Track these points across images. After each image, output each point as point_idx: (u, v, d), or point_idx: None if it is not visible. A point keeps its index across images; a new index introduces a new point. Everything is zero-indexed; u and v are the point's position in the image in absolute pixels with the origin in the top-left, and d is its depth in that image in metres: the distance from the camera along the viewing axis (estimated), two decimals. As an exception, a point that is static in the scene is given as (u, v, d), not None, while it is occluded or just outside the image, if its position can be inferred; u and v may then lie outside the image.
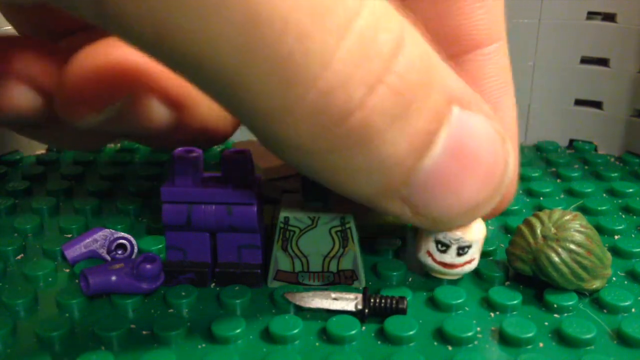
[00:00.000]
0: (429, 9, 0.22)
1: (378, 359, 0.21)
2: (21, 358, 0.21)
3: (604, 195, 0.33)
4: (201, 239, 0.24)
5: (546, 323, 0.23)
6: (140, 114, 0.22)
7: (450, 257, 0.23)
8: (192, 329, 0.22)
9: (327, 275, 0.24)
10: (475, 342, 0.22)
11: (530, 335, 0.21)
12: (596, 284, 0.23)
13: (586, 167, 0.36)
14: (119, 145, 0.39)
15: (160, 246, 0.27)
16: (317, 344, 0.22)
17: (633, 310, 0.23)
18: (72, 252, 0.26)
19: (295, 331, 0.22)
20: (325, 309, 0.23)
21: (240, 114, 0.17)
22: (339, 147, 0.17)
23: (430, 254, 0.23)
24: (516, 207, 0.31)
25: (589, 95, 0.38)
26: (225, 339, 0.22)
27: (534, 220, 0.24)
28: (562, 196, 0.33)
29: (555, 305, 0.23)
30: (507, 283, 0.25)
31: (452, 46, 0.22)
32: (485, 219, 0.25)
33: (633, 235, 0.28)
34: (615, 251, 0.27)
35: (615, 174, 0.35)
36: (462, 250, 0.23)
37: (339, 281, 0.24)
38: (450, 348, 0.21)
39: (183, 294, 0.24)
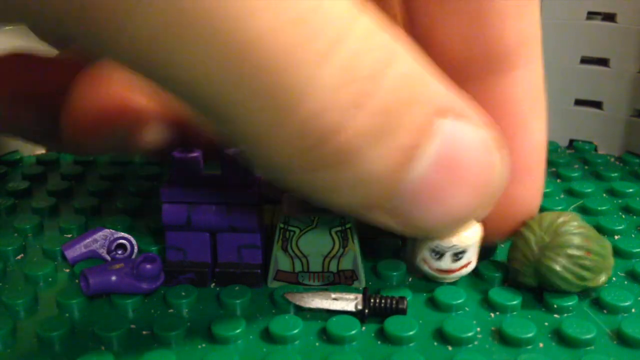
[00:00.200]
0: (458, 26, 0.21)
1: (378, 359, 0.21)
2: (21, 358, 0.21)
3: (604, 195, 0.33)
4: (201, 239, 0.24)
5: (546, 323, 0.23)
6: (143, 138, 0.22)
7: (446, 263, 0.23)
8: (192, 329, 0.22)
9: (327, 276, 0.24)
10: (475, 342, 0.22)
11: (530, 335, 0.21)
12: (602, 278, 0.23)
13: (586, 167, 0.36)
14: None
15: (160, 246, 0.27)
16: (317, 344, 0.22)
17: (633, 310, 0.23)
18: (72, 252, 0.26)
19: (295, 331, 0.22)
20: (325, 309, 0.23)
21: (226, 132, 0.17)
22: (322, 166, 0.17)
23: (426, 262, 0.23)
24: (516, 207, 0.31)
25: (589, 95, 0.38)
26: (225, 339, 0.22)
27: (526, 232, 0.23)
28: (562, 196, 0.33)
29: (555, 306, 0.23)
30: (506, 283, 0.25)
31: (483, 65, 0.22)
32: (506, 237, 0.25)
33: (633, 235, 0.28)
34: (615, 251, 0.27)
35: (615, 174, 0.35)
36: (457, 256, 0.23)
37: (339, 281, 0.24)
38: (450, 348, 0.21)
39: (183, 294, 0.24)
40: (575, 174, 0.35)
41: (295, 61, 0.15)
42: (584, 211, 0.31)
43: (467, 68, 0.22)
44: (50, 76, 0.24)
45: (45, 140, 0.27)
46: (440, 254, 0.23)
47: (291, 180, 0.18)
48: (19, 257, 0.27)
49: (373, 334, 0.22)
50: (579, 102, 0.38)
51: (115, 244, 0.26)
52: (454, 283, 0.24)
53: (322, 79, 0.15)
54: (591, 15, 0.36)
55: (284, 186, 0.19)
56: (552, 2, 0.36)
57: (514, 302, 0.23)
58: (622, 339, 0.22)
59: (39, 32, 0.16)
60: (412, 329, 0.22)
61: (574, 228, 0.23)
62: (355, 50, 0.16)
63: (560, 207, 0.30)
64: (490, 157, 0.19)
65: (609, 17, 0.36)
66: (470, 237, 0.22)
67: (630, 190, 0.32)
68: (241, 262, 0.25)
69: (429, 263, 0.23)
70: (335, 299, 0.23)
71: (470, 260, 0.23)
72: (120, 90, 0.21)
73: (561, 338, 0.22)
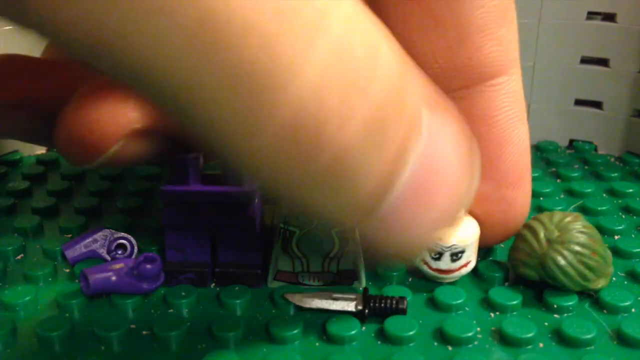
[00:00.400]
0: (439, 39, 0.21)
1: (378, 359, 0.21)
2: (21, 358, 0.21)
3: (604, 195, 0.33)
4: (201, 239, 0.24)
5: (546, 323, 0.23)
6: (135, 153, 0.22)
7: (445, 263, 0.23)
8: (192, 329, 0.22)
9: (327, 276, 0.24)
10: (475, 342, 0.22)
11: (530, 335, 0.21)
12: (601, 283, 0.23)
13: (586, 167, 0.36)
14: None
15: (160, 246, 0.27)
16: (317, 344, 0.22)
17: (633, 310, 0.23)
18: (72, 252, 0.26)
19: (295, 331, 0.22)
20: (325, 309, 0.23)
21: (200, 131, 0.14)
22: (312, 172, 0.14)
23: (425, 262, 0.23)
24: (516, 207, 0.31)
25: (589, 95, 0.38)
26: (225, 339, 0.22)
27: (536, 224, 0.23)
28: (562, 196, 0.33)
29: (555, 306, 0.23)
30: (506, 283, 0.25)
31: (464, 77, 0.22)
32: (498, 242, 0.25)
33: (633, 235, 0.28)
34: (615, 251, 0.27)
35: (615, 174, 0.35)
36: (456, 256, 0.23)
37: (339, 281, 0.24)
38: (450, 348, 0.21)
39: (183, 294, 0.24)
40: (575, 174, 0.35)
41: (283, 33, 0.12)
42: (584, 211, 0.31)
43: (451, 78, 0.22)
44: (45, 78, 0.24)
45: (42, 141, 0.27)
46: (439, 254, 0.23)
47: (275, 188, 0.15)
48: (19, 257, 0.27)
49: (373, 334, 0.22)
50: (579, 102, 0.38)
51: (115, 244, 0.26)
52: (453, 283, 0.24)
53: (313, 58, 0.13)
54: (591, 15, 0.36)
55: (265, 192, 0.18)
56: (552, 2, 0.36)
57: (514, 302, 0.23)
58: (622, 339, 0.22)
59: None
60: (412, 329, 0.22)
61: (582, 227, 0.23)
62: (344, 28, 0.13)
63: (560, 207, 0.30)
64: (467, 152, 0.18)
65: (609, 17, 0.36)
66: (468, 236, 0.22)
67: (630, 190, 0.32)
68: (241, 262, 0.25)
69: (428, 264, 0.23)
70: (335, 298, 0.23)
71: (470, 259, 0.23)
72: (115, 103, 0.21)
73: (561, 338, 0.22)
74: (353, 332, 0.22)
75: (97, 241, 0.26)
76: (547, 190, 0.32)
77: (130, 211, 0.31)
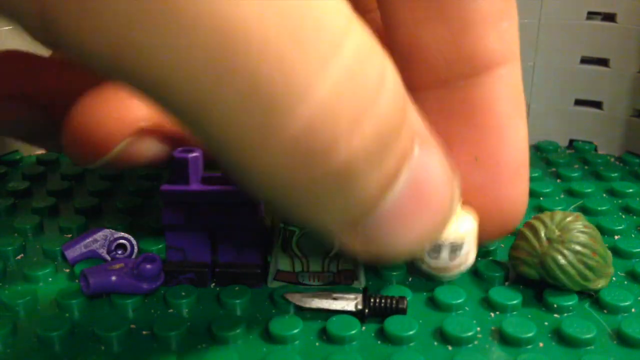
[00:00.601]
0: (444, 30, 0.21)
1: (378, 359, 0.21)
2: (21, 358, 0.21)
3: (604, 195, 0.33)
4: (201, 239, 0.24)
5: (546, 323, 0.23)
6: (141, 152, 0.22)
7: (443, 261, 0.23)
8: (192, 329, 0.22)
9: (327, 276, 0.24)
10: (475, 342, 0.22)
11: (530, 335, 0.21)
12: (601, 283, 0.23)
13: (586, 167, 0.36)
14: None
15: (160, 246, 0.27)
16: (317, 344, 0.22)
17: (633, 310, 0.23)
18: (72, 252, 0.26)
19: (295, 331, 0.22)
20: (325, 309, 0.23)
21: (211, 143, 0.15)
22: (315, 185, 0.15)
23: (424, 260, 0.23)
24: (516, 207, 0.31)
25: (589, 95, 0.38)
26: (225, 339, 0.22)
27: (537, 223, 0.24)
28: (562, 196, 0.33)
29: (555, 305, 0.23)
30: (507, 283, 0.25)
31: (466, 67, 0.22)
32: (494, 239, 0.25)
33: (633, 235, 0.28)
34: (615, 251, 0.27)
35: (615, 174, 0.35)
36: (454, 253, 0.23)
37: (339, 281, 0.24)
38: (450, 348, 0.21)
39: (183, 294, 0.24)
40: (575, 174, 0.35)
41: (298, 56, 0.13)
42: (584, 211, 0.31)
43: (454, 68, 0.22)
44: (45, 76, 0.24)
45: (41, 141, 0.27)
46: (437, 251, 0.23)
47: (273, 197, 0.16)
48: (19, 257, 0.27)
49: (373, 334, 0.22)
50: (579, 102, 0.38)
51: (115, 244, 0.26)
52: (453, 282, 0.24)
53: (325, 81, 0.14)
54: (591, 15, 0.36)
55: (263, 200, 0.18)
56: (552, 2, 0.36)
57: (514, 302, 0.23)
58: (622, 339, 0.22)
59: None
60: (412, 329, 0.22)
61: (583, 227, 0.23)
62: (357, 56, 0.14)
63: (560, 207, 0.30)
64: (451, 181, 0.19)
65: (609, 17, 0.36)
66: (465, 231, 0.22)
67: (630, 190, 0.32)
68: (241, 262, 0.25)
69: (427, 262, 0.23)
70: (335, 298, 0.23)
71: (469, 255, 0.23)
72: (121, 103, 0.21)
73: (561, 338, 0.22)
74: (353, 331, 0.22)
75: (97, 241, 0.26)
76: (547, 190, 0.32)
77: (130, 211, 0.31)
